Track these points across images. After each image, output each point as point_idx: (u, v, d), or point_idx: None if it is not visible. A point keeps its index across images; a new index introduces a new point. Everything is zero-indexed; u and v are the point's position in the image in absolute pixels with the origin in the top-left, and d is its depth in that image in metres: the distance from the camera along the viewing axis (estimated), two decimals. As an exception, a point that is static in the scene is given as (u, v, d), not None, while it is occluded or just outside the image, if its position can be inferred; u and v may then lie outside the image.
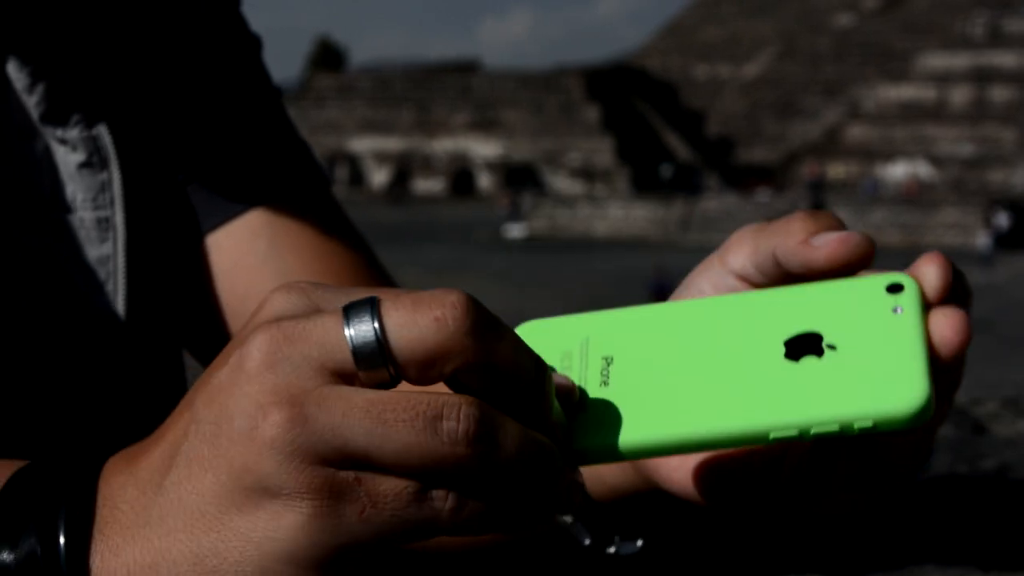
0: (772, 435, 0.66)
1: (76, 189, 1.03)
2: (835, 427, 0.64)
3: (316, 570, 0.63)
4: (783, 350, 0.68)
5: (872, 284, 0.70)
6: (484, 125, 79.84)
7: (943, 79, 79.90)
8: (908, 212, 58.90)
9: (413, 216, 65.41)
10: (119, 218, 1.04)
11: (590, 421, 0.69)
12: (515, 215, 60.69)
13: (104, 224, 1.04)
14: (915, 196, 64.36)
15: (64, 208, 1.03)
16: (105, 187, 1.04)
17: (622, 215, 62.57)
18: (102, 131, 1.04)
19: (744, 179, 75.83)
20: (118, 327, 1.05)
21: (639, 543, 0.89)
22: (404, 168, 79.62)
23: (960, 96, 78.88)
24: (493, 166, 78.10)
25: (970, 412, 2.52)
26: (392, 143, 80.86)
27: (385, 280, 1.24)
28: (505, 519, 0.65)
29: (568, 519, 0.85)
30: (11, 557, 0.64)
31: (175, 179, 1.13)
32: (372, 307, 0.64)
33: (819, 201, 59.25)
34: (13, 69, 1.02)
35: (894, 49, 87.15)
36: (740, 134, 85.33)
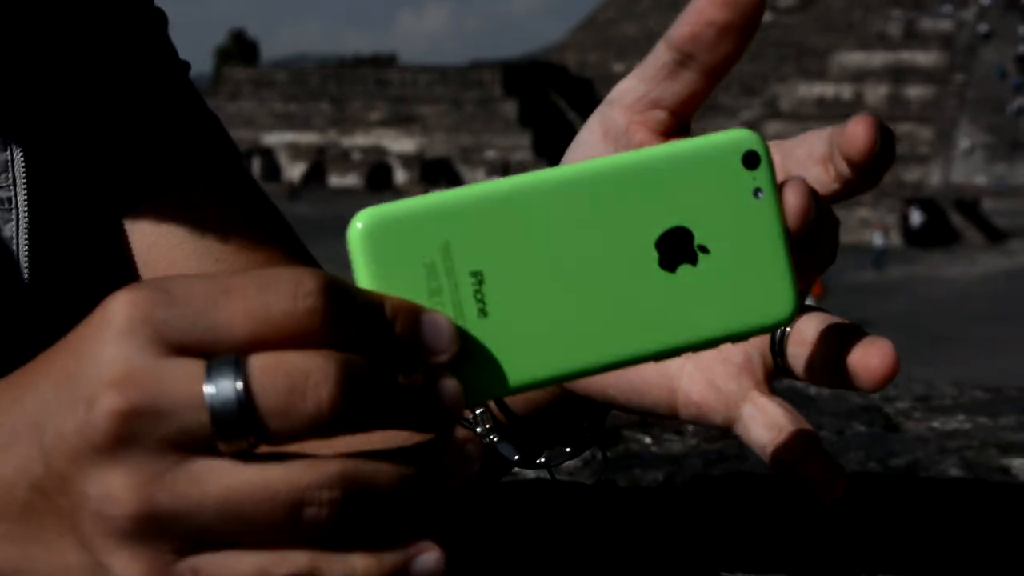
0: (657, 358, 0.66)
1: None
2: (714, 343, 0.66)
3: None
4: (656, 256, 0.66)
5: (726, 153, 0.68)
6: (401, 120, 79.93)
7: (860, 77, 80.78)
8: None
9: (328, 211, 65.34)
10: (21, 199, 1.02)
11: (473, 359, 0.65)
12: None
13: (6, 204, 1.01)
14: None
15: None
16: (7, 166, 1.01)
17: (540, 211, 62.75)
18: (5, 107, 1.02)
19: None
20: (24, 309, 1.03)
21: (567, 451, 0.90)
22: (319, 163, 79.51)
23: (876, 94, 79.80)
24: (410, 161, 78.18)
25: (882, 409, 2.50)
26: (307, 138, 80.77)
27: (301, 251, 1.21)
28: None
29: (494, 438, 0.87)
30: None
31: (87, 161, 1.10)
32: (236, 368, 0.60)
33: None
34: None
35: (811, 47, 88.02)
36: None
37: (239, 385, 0.59)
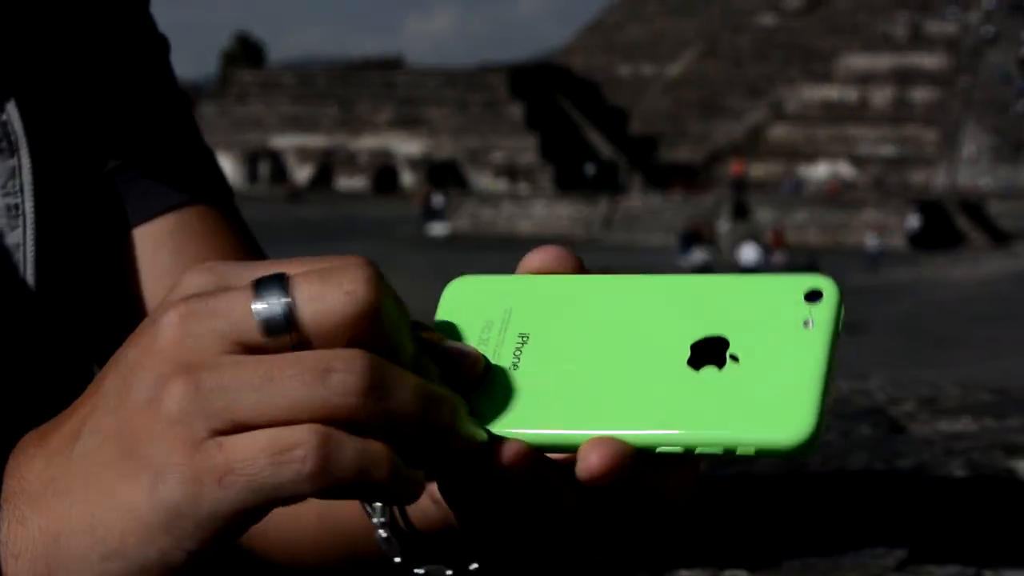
0: (658, 449, 0.66)
1: None
2: (719, 450, 0.65)
3: (194, 540, 0.64)
4: (688, 355, 0.67)
5: (791, 286, 0.68)
6: (407, 123, 79.81)
7: (865, 80, 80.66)
8: (830, 212, 59.35)
9: (336, 213, 65.26)
10: (28, 205, 1.03)
11: (487, 401, 0.69)
12: (429, 214, 60.77)
13: (14, 211, 1.02)
14: (837, 196, 64.88)
15: None
16: (15, 173, 1.02)
17: (546, 213, 62.69)
18: (12, 116, 1.03)
19: (667, 178, 76.17)
20: (29, 314, 1.04)
21: (448, 573, 0.88)
22: (327, 165, 79.45)
23: (882, 97, 79.66)
24: (416, 164, 78.09)
25: (887, 411, 2.51)
26: (315, 140, 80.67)
27: None
28: (379, 479, 0.65)
29: (384, 534, 0.87)
30: None
31: (90, 176, 1.11)
32: (281, 281, 0.65)
33: (741, 200, 59.61)
34: None
35: (817, 49, 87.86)
36: (663, 133, 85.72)
37: (282, 280, 0.65)
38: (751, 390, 0.65)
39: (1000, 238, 60.35)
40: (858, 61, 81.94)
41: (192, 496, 0.63)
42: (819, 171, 76.15)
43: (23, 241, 1.03)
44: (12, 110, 1.03)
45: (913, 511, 1.82)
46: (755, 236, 45.03)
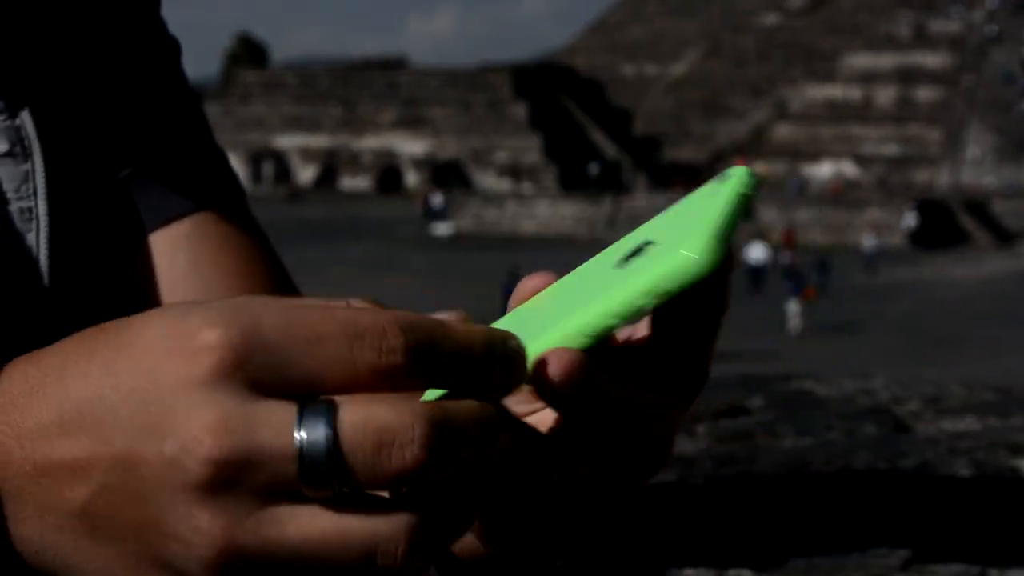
0: (599, 329, 0.69)
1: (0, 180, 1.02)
2: (646, 300, 0.68)
3: None
4: (619, 262, 0.72)
5: (713, 182, 0.74)
6: (411, 123, 79.81)
7: (868, 79, 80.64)
8: (834, 211, 59.37)
9: (339, 213, 65.30)
10: (42, 209, 1.03)
11: None
12: (429, 214, 60.80)
13: (27, 215, 1.03)
14: (840, 195, 64.88)
15: None
16: (28, 177, 1.03)
17: (549, 213, 62.74)
18: (26, 122, 1.04)
19: (671, 178, 76.17)
20: (43, 317, 1.04)
21: None
22: (330, 165, 79.49)
23: (885, 96, 79.64)
24: (420, 164, 78.11)
25: (891, 410, 2.51)
26: (318, 140, 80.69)
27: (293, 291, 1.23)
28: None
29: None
30: None
31: (105, 181, 1.12)
32: (328, 419, 0.63)
33: (745, 200, 59.54)
34: None
35: (820, 49, 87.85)
36: (667, 133, 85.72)
37: (330, 439, 0.62)
38: (661, 249, 0.69)
39: (1004, 237, 60.35)
40: (861, 60, 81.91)
41: None
42: (823, 170, 76.13)
43: (36, 244, 1.03)
44: (26, 116, 1.04)
45: (917, 510, 1.81)
46: (762, 235, 44.95)
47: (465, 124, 77.85)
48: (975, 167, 73.91)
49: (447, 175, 74.75)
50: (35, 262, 1.03)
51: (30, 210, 1.03)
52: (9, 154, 1.03)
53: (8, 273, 1.03)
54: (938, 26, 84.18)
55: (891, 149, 76.99)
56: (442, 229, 58.68)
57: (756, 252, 40.61)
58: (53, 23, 1.10)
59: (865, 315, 34.97)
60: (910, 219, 57.55)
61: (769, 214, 59.13)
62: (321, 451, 0.62)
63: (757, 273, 37.29)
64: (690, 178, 75.97)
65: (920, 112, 78.27)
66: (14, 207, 1.03)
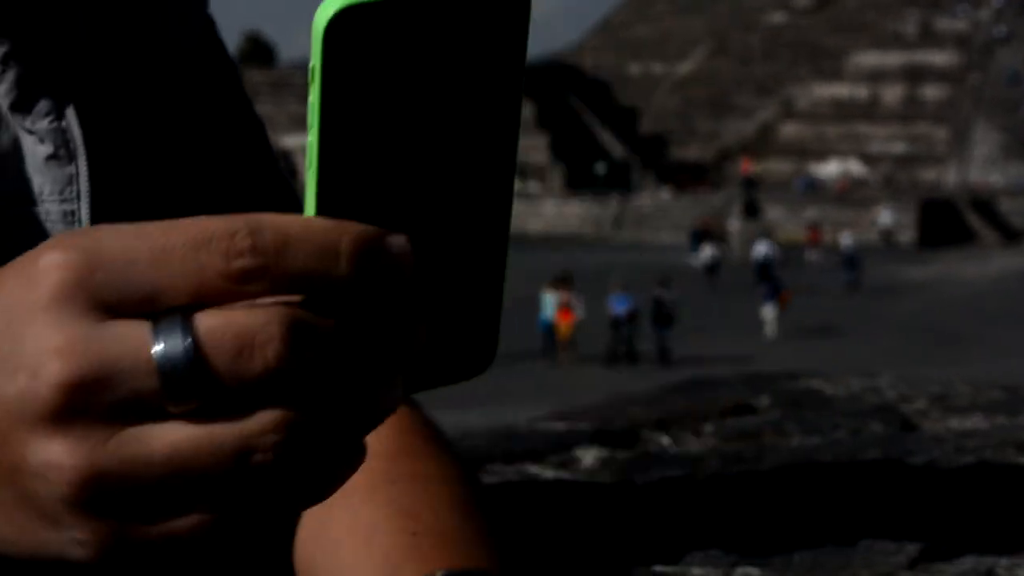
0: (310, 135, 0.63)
1: (43, 181, 1.03)
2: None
3: None
4: None
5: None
6: (418, 122, 79.72)
7: (875, 77, 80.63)
8: (840, 210, 59.35)
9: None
10: (85, 212, 1.04)
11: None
12: None
13: (70, 217, 1.04)
14: (847, 193, 64.87)
15: (30, 201, 1.03)
16: (72, 180, 1.04)
17: (556, 212, 62.80)
18: (71, 122, 1.04)
19: (678, 176, 76.15)
20: None
21: None
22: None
23: (892, 95, 79.63)
24: (427, 163, 78.06)
25: (898, 409, 2.51)
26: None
27: None
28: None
29: None
30: None
31: (152, 175, 1.12)
32: (184, 330, 0.60)
33: (752, 198, 59.61)
34: None
35: (827, 47, 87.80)
36: (674, 132, 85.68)
37: (189, 348, 0.59)
38: None
39: (1011, 235, 60.32)
40: (868, 59, 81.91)
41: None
42: (829, 169, 76.11)
43: None
44: (71, 116, 1.04)
45: (925, 508, 1.81)
46: (768, 234, 44.94)
47: (472, 123, 77.75)
48: (982, 165, 73.85)
49: (454, 174, 74.66)
50: None
51: (73, 213, 1.03)
52: (54, 156, 1.03)
53: None
54: (945, 25, 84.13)
55: (898, 148, 76.96)
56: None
57: (761, 248, 40.57)
58: (101, 26, 1.09)
59: (872, 313, 34.95)
60: (886, 216, 57.41)
61: (775, 212, 59.10)
62: (181, 360, 0.59)
63: (764, 269, 37.10)
64: (697, 177, 76.00)
65: (927, 111, 78.25)
66: (58, 209, 1.03)
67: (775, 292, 32.25)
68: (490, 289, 0.68)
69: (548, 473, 2.03)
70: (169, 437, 0.60)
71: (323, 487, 0.64)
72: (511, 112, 0.67)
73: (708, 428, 2.33)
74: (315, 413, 0.62)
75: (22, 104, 1.03)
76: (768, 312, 31.89)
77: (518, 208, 61.92)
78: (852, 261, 41.14)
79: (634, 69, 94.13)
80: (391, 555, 1.06)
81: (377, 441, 1.10)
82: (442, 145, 0.64)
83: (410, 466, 1.14)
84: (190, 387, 0.59)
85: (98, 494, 0.60)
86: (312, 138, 0.62)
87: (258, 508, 0.62)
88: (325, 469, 0.63)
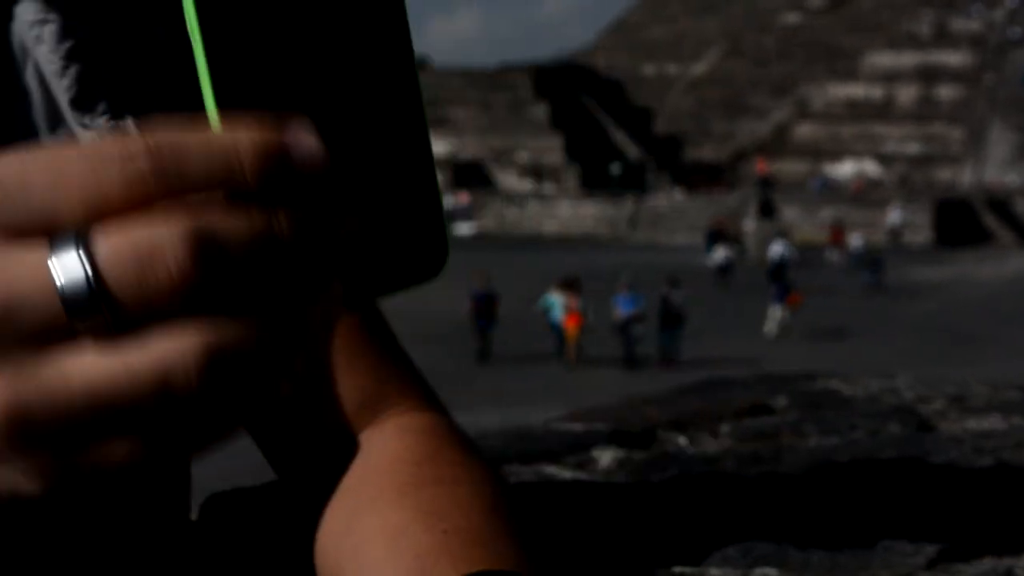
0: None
1: None
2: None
3: None
4: None
5: None
6: (432, 123, 79.46)
7: (890, 78, 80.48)
8: (856, 210, 59.27)
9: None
10: None
11: None
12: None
13: None
14: (862, 194, 64.78)
15: None
16: None
17: (571, 213, 62.76)
18: (129, 125, 1.05)
19: (692, 177, 76.11)
20: None
21: None
22: (352, 166, 79.54)
23: (907, 95, 79.48)
24: (442, 164, 78.08)
25: (916, 410, 2.51)
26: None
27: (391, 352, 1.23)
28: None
29: None
30: None
31: None
32: (79, 247, 0.58)
33: (768, 199, 59.56)
34: (45, 52, 1.03)
35: (841, 47, 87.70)
36: (688, 132, 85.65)
37: (85, 264, 0.57)
38: None
39: (1027, 235, 60.19)
40: (883, 59, 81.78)
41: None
42: (844, 169, 76.02)
43: None
44: (129, 126, 1.05)
45: (943, 509, 1.81)
46: (784, 234, 44.83)
47: (486, 124, 77.86)
48: (998, 165, 73.71)
49: (469, 175, 74.74)
50: None
51: None
52: None
53: None
54: (959, 24, 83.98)
55: (913, 148, 76.80)
56: (464, 229, 58.76)
57: (776, 248, 40.49)
58: (160, 40, 1.10)
59: (889, 314, 34.90)
60: (895, 216, 57.31)
61: (790, 213, 59.03)
62: (79, 279, 0.57)
63: (778, 270, 36.93)
64: (712, 177, 75.95)
65: (942, 111, 78.09)
66: None
67: (784, 293, 32.12)
68: (423, 184, 0.64)
69: (565, 474, 2.03)
70: (87, 369, 0.58)
71: (260, 404, 0.61)
72: None
73: (725, 428, 2.33)
74: (238, 330, 0.59)
75: (82, 101, 1.04)
76: (774, 312, 31.75)
77: (533, 209, 61.95)
78: (875, 262, 41.01)
79: (648, 70, 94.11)
80: (422, 554, 1.03)
81: (404, 447, 1.16)
82: (333, 23, 0.62)
83: (438, 471, 1.13)
84: (93, 308, 0.57)
85: (26, 427, 0.58)
86: (194, 29, 0.60)
87: (193, 431, 0.60)
88: (260, 388, 0.60)
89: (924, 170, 74.77)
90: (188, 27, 0.60)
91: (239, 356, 0.59)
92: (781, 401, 2.56)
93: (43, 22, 1.04)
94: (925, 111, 78.31)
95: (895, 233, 55.89)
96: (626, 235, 60.74)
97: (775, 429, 2.32)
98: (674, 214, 62.15)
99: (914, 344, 28.42)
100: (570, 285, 28.40)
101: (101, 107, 1.04)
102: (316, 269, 0.60)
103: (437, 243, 0.65)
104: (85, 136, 1.02)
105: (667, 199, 64.77)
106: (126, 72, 1.07)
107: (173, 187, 0.58)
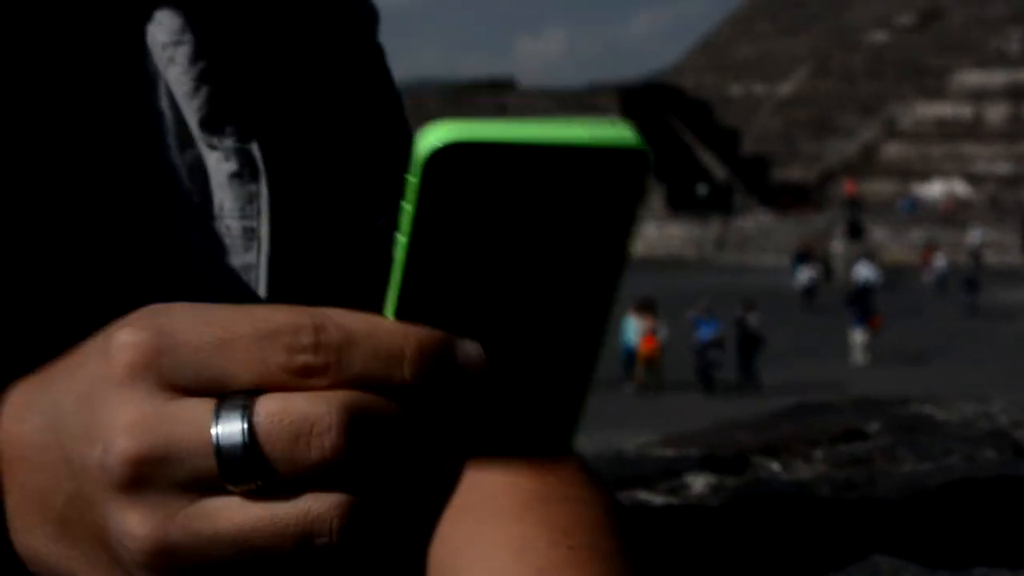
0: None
1: (224, 197, 1.06)
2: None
3: None
4: None
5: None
6: (518, 145, 79.77)
7: (979, 96, 79.81)
8: (945, 230, 58.76)
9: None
10: (264, 230, 1.07)
11: None
12: None
13: (250, 234, 1.06)
14: (952, 214, 64.22)
15: (209, 215, 1.05)
16: (253, 198, 1.07)
17: (657, 234, 62.65)
18: (254, 147, 1.07)
19: (780, 198, 75.74)
20: None
21: None
22: (439, 188, 79.79)
23: (997, 113, 78.78)
24: (528, 185, 78.09)
25: (1011, 435, 2.49)
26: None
27: None
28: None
29: None
30: None
31: (327, 194, 1.15)
32: (243, 414, 0.63)
33: (856, 220, 59.16)
34: (177, 73, 1.06)
35: (929, 66, 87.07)
36: (775, 153, 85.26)
37: (245, 432, 0.62)
38: None
39: (1122, 255, 59.48)
40: (972, 77, 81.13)
41: None
42: (933, 189, 75.40)
43: (257, 263, 1.07)
44: (255, 148, 1.07)
45: (1041, 537, 1.80)
46: (870, 255, 44.47)
47: (572, 145, 77.72)
48: (1090, 184, 72.87)
49: (554, 196, 74.61)
50: (254, 281, 1.07)
51: (253, 230, 1.06)
52: (238, 174, 1.06)
53: (227, 288, 1.06)
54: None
55: (1003, 167, 76.09)
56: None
57: (862, 270, 40.10)
58: (288, 67, 1.13)
59: (982, 336, 34.53)
60: (975, 236, 56.74)
61: (879, 234, 58.62)
62: (237, 444, 0.62)
63: (862, 293, 36.15)
64: (799, 198, 75.55)
65: (1033, 129, 77.29)
66: (238, 225, 1.06)
67: (865, 316, 31.52)
68: (575, 386, 0.68)
69: (658, 499, 2.03)
70: (235, 516, 0.63)
71: (384, 554, 0.66)
72: (616, 259, 0.66)
73: (818, 454, 2.32)
74: (376, 495, 0.65)
75: (211, 122, 1.06)
76: (857, 336, 31.12)
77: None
78: (971, 283, 40.51)
79: (735, 90, 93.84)
80: (545, 568, 1.02)
81: (527, 462, 1.19)
82: (536, 277, 0.65)
83: (563, 489, 1.12)
84: (246, 470, 0.62)
85: (170, 564, 0.64)
86: (402, 239, 0.63)
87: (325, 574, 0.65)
88: (386, 540, 0.66)
89: (1014, 190, 73.99)
90: (400, 224, 0.63)
91: (375, 517, 0.65)
92: (874, 426, 2.55)
93: (177, 43, 1.06)
94: (1015, 129, 77.57)
95: (976, 254, 55.34)
96: (713, 256, 60.55)
97: (869, 455, 2.31)
98: (761, 235, 61.88)
99: (1008, 367, 28.09)
100: (646, 308, 28.13)
101: (229, 129, 1.06)
102: (452, 449, 0.67)
103: (567, 433, 0.70)
104: (212, 158, 1.06)
105: (754, 220, 64.50)
106: (255, 96, 1.09)
107: (335, 372, 0.64)
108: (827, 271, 48.98)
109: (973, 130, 78.45)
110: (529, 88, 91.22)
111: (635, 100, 79.69)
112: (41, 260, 0.96)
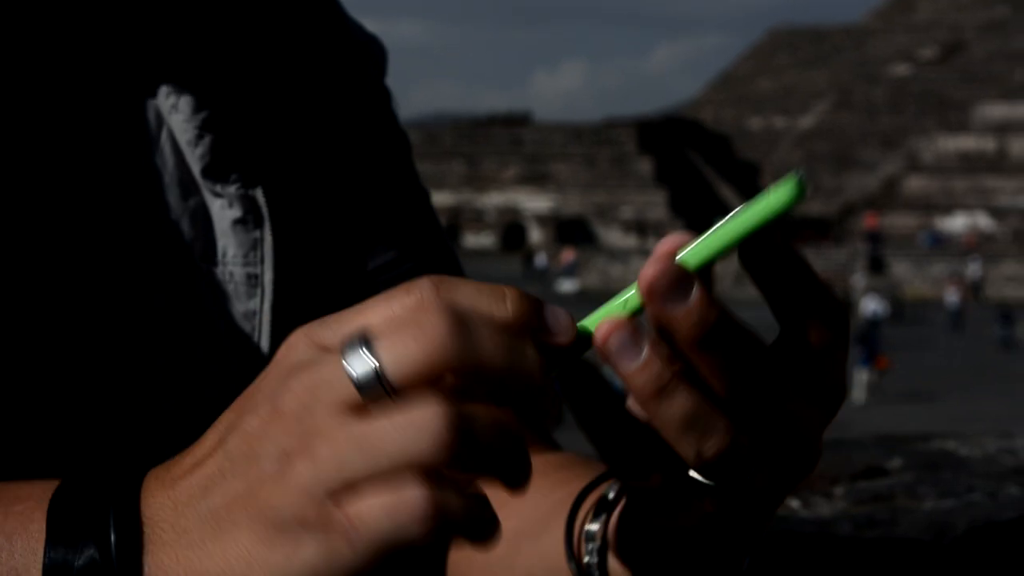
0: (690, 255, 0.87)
1: (228, 244, 1.07)
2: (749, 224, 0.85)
3: None
4: None
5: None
6: (535, 179, 79.96)
7: (1002, 129, 79.68)
8: (968, 264, 58.62)
9: (466, 270, 65.40)
10: (268, 277, 1.08)
11: None
12: (532, 273, 60.99)
13: (253, 280, 1.08)
14: (975, 248, 64.09)
15: (212, 261, 1.06)
16: (257, 245, 1.08)
17: (677, 269, 62.46)
18: (259, 198, 1.08)
19: (800, 232, 75.69)
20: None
21: None
22: (454, 222, 79.93)
23: (1020, 146, 78.62)
24: (544, 220, 78.22)
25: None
26: (442, 198, 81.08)
27: None
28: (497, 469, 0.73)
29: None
30: (73, 560, 0.73)
31: (329, 240, 1.16)
32: (365, 343, 0.72)
33: (878, 254, 59.06)
34: (180, 121, 1.06)
35: (952, 99, 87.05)
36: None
37: (373, 364, 0.72)
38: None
39: None
40: (995, 110, 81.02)
41: (327, 557, 0.71)
42: (956, 223, 75.26)
43: (260, 310, 1.08)
44: (259, 194, 1.09)
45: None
46: (880, 290, 44.29)
47: (590, 179, 77.89)
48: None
49: (572, 231, 74.79)
50: (257, 328, 1.08)
51: (256, 276, 1.08)
52: (242, 221, 1.07)
53: (229, 335, 1.07)
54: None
55: (1026, 201, 75.99)
56: (567, 286, 58.75)
57: (869, 304, 39.86)
58: (292, 112, 1.16)
59: (1006, 369, 34.40)
60: (974, 269, 56.58)
61: (900, 268, 58.54)
62: (358, 350, 0.73)
63: (870, 328, 35.34)
64: (820, 232, 75.47)
65: (1056, 162, 77.20)
66: (241, 272, 1.07)
67: (871, 354, 31.25)
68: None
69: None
70: (371, 424, 0.73)
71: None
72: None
73: (839, 490, 2.28)
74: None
75: (215, 170, 1.07)
76: (860, 376, 30.83)
77: (637, 265, 61.73)
78: (1006, 317, 40.28)
79: (755, 123, 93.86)
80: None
81: (562, 458, 1.19)
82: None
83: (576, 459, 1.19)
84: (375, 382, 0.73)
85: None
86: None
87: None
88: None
89: (1038, 223, 73.83)
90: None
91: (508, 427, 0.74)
92: (896, 462, 2.51)
93: (180, 92, 1.07)
94: (1038, 162, 77.44)
95: (975, 287, 55.14)
96: (733, 292, 60.48)
97: (890, 491, 2.27)
98: (781, 269, 61.76)
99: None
100: None
101: (233, 176, 1.07)
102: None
103: None
104: (215, 204, 1.07)
105: (774, 254, 64.34)
106: (259, 142, 1.11)
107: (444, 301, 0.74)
108: (847, 306, 48.82)
109: (996, 163, 78.33)
110: (545, 122, 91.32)
111: (653, 134, 79.80)
112: (42, 314, 0.97)
